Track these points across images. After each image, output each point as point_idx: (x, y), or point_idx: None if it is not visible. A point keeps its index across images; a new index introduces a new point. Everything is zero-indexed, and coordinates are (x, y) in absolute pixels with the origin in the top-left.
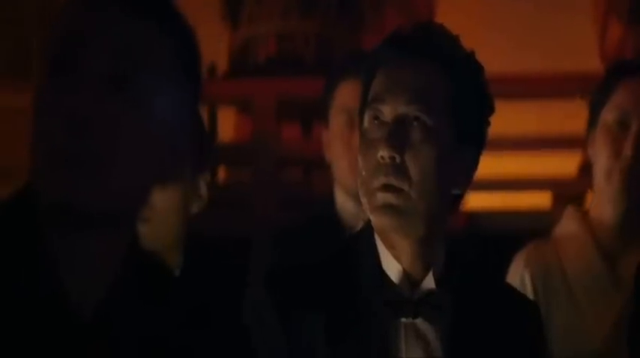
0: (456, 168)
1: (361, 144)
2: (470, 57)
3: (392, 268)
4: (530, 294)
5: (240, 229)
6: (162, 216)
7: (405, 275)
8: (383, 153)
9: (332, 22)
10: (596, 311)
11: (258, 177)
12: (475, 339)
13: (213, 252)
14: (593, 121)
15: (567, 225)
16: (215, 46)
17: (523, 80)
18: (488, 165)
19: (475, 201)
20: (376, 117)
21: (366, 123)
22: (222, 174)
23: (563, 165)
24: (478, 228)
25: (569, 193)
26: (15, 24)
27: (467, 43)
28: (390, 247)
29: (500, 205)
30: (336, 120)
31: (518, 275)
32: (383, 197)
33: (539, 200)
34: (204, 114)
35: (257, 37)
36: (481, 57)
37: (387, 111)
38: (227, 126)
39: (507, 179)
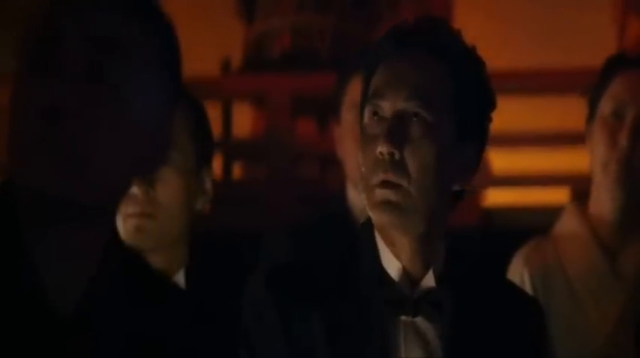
0: (457, 165)
1: (361, 140)
2: (471, 52)
3: (392, 266)
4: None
5: (255, 226)
6: (166, 211)
7: (405, 273)
8: (382, 149)
9: (347, 17)
10: (599, 308)
11: (273, 173)
12: (475, 338)
13: (220, 249)
14: (591, 115)
15: (567, 222)
16: (230, 41)
17: (542, 76)
18: (507, 161)
19: (493, 197)
20: (375, 113)
21: (366, 118)
22: (237, 170)
23: (582, 160)
24: (495, 225)
25: (588, 189)
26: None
27: (484, 38)
28: (390, 244)
29: (518, 201)
30: (348, 116)
31: (518, 273)
32: (382, 193)
33: (558, 196)
34: (218, 109)
35: (272, 31)
36: (499, 53)
37: (387, 107)
38: (244, 121)
39: (526, 175)
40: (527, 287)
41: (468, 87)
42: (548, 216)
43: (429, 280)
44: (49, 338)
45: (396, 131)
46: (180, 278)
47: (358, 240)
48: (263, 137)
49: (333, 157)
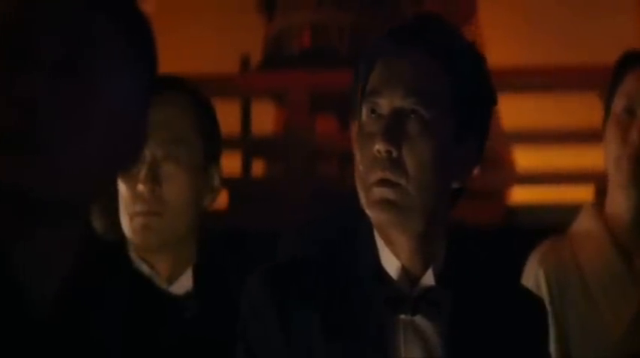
0: (455, 162)
1: (358, 138)
2: (470, 48)
3: (391, 264)
4: (544, 293)
5: (274, 224)
6: (172, 209)
7: (404, 271)
8: (379, 146)
9: (367, 13)
10: (614, 307)
11: (291, 170)
12: (475, 337)
13: (230, 247)
14: (606, 113)
15: (583, 222)
16: (250, 38)
17: (566, 74)
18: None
19: (518, 195)
20: (373, 111)
21: (363, 116)
22: (256, 167)
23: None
24: (520, 223)
25: None
26: None
27: (510, 36)
28: (389, 243)
29: (543, 199)
30: None
31: (533, 273)
32: (379, 192)
33: (583, 193)
34: (237, 106)
35: (291, 29)
36: (524, 50)
37: (384, 105)
38: (264, 118)
39: (551, 172)
40: (543, 287)
41: (467, 84)
42: (573, 214)
43: (428, 279)
44: (23, 340)
45: (394, 129)
46: (187, 277)
47: (357, 238)
48: (282, 134)
49: (351, 155)
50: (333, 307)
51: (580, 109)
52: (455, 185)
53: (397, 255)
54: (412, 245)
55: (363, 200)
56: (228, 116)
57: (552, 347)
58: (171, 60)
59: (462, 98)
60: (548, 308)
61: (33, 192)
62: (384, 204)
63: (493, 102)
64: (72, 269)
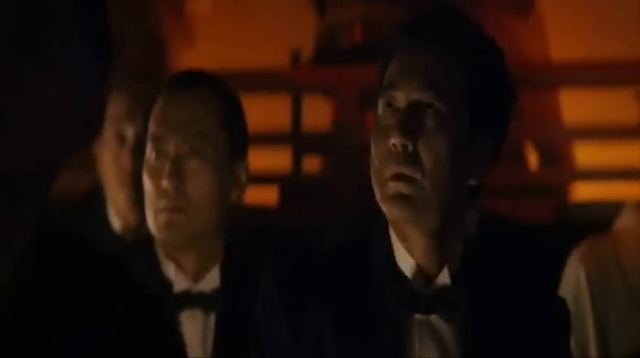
0: (472, 158)
1: (374, 132)
2: (489, 43)
3: (405, 263)
4: (585, 292)
5: (325, 220)
6: (197, 206)
7: (419, 269)
8: (395, 140)
9: (418, 8)
10: None
11: (340, 166)
12: (491, 338)
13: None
14: None
15: (627, 219)
16: (301, 33)
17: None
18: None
19: (578, 191)
20: (389, 104)
21: (379, 109)
22: (308, 163)
23: None
24: (579, 220)
25: None
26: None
27: (570, 28)
28: (403, 240)
29: (603, 195)
30: None
31: (574, 272)
32: (394, 186)
33: None
34: (288, 101)
35: (342, 23)
36: (585, 44)
37: (400, 98)
38: (317, 113)
39: (610, 168)
40: (584, 286)
41: (485, 78)
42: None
43: (443, 277)
44: None
45: (410, 122)
46: (214, 274)
47: (372, 236)
48: (331, 130)
49: None
50: (346, 306)
51: None
52: (472, 182)
53: (411, 253)
54: (427, 242)
55: (377, 195)
56: (278, 112)
57: (592, 347)
58: (223, 55)
59: (479, 93)
60: (589, 307)
61: None
62: (399, 198)
63: (512, 98)
64: (25, 254)
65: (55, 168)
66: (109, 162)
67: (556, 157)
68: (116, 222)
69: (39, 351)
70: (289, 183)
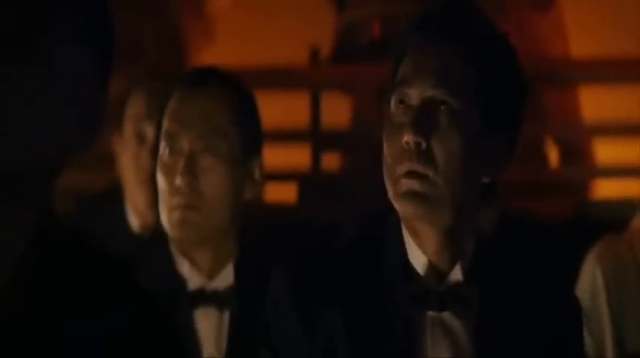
0: (486, 156)
1: (386, 129)
2: (502, 39)
3: (417, 260)
4: (602, 291)
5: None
6: (211, 203)
7: (431, 266)
8: (408, 138)
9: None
10: None
11: (358, 163)
12: (504, 335)
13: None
14: None
15: None
16: (320, 30)
17: None
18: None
19: (598, 189)
20: (402, 101)
21: (392, 106)
22: (327, 160)
23: None
24: (600, 216)
25: None
26: (125, 10)
27: (590, 26)
28: (416, 237)
29: (624, 193)
30: None
31: (590, 271)
32: (407, 183)
33: None
34: (307, 98)
35: (361, 20)
36: (606, 42)
37: (413, 95)
38: (336, 110)
39: (630, 166)
40: (600, 285)
41: (497, 75)
42: None
43: (456, 274)
44: None
45: (423, 120)
46: (228, 271)
47: (385, 233)
48: (350, 127)
49: None
50: (358, 304)
51: None
52: (485, 179)
53: (424, 250)
54: (439, 239)
55: (390, 192)
56: (297, 109)
57: (609, 345)
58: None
59: (491, 90)
60: (605, 305)
61: None
62: (412, 195)
63: (525, 94)
64: (24, 254)
65: (55, 168)
66: (129, 162)
67: (576, 155)
68: (135, 222)
69: (37, 351)
70: (308, 181)
